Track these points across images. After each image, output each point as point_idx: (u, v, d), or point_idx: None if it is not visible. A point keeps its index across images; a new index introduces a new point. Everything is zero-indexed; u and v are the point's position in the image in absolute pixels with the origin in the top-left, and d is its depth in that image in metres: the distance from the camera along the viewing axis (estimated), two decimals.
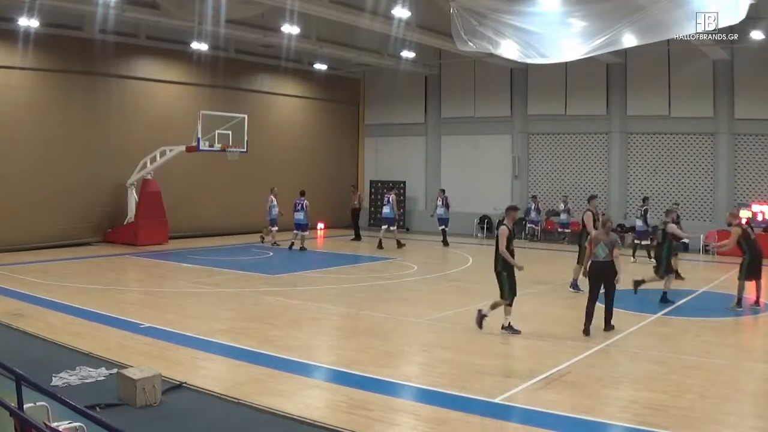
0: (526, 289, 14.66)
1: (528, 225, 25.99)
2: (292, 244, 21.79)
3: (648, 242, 19.55)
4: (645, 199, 21.04)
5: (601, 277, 10.63)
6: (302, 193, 22.05)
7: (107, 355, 8.75)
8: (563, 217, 24.91)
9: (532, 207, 25.63)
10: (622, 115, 24.91)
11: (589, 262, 10.78)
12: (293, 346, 9.62)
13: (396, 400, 7.45)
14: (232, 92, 25.50)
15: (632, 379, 8.14)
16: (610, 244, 10.56)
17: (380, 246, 22.18)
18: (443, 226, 23.77)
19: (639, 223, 20.22)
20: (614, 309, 10.67)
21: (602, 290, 10.64)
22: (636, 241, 20.37)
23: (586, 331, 10.39)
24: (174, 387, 7.54)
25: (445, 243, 23.50)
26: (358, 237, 25.15)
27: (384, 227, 23.24)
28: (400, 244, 22.68)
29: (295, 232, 21.73)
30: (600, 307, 10.55)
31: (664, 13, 13.62)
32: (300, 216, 21.63)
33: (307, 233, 21.93)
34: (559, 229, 25.22)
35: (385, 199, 23.83)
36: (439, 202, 24.12)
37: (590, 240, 11.24)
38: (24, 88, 20.03)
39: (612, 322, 10.65)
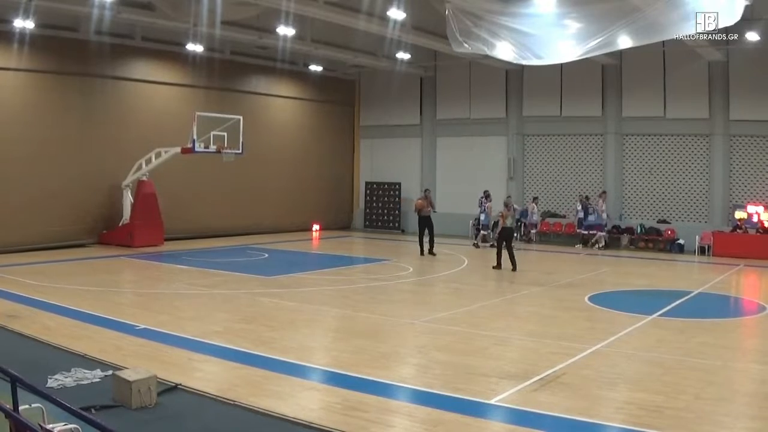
0: (521, 290, 14.75)
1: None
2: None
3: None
4: (604, 193, 23.86)
5: (509, 237, 17.40)
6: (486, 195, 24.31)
7: (102, 357, 8.72)
8: (591, 218, 24.02)
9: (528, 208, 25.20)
10: (617, 116, 24.92)
11: (500, 229, 17.50)
12: (289, 347, 9.60)
13: (391, 401, 7.45)
14: (227, 93, 25.46)
15: (627, 380, 8.14)
16: (512, 216, 17.92)
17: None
18: (594, 231, 23.73)
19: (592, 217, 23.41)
20: (609, 310, 12.34)
21: None
22: (584, 232, 23.43)
23: (497, 267, 17.16)
24: (169, 389, 7.52)
25: (594, 244, 23.72)
26: None
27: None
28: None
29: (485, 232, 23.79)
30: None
31: (660, 15, 13.68)
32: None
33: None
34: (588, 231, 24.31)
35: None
36: (579, 207, 24.21)
37: (503, 215, 17.45)
38: (19, 89, 19.96)
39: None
